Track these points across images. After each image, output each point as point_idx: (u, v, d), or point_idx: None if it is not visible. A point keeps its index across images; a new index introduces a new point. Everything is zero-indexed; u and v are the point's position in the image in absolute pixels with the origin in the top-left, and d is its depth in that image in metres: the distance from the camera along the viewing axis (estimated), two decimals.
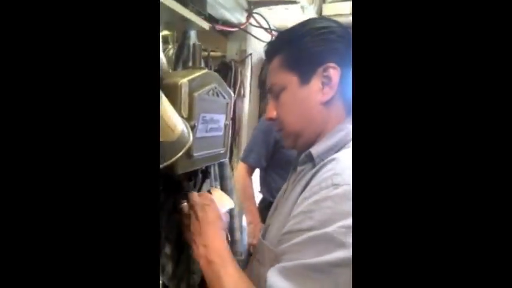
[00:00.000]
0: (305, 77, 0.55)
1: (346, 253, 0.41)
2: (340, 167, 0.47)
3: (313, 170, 0.52)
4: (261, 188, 1.56)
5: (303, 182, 0.53)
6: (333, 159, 0.50)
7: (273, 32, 1.61)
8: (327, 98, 0.55)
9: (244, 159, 1.51)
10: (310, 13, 1.99)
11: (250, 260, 0.67)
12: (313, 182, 0.49)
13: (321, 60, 0.55)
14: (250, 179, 1.52)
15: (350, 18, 2.10)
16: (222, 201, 0.74)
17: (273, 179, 1.49)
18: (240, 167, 1.53)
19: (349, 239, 0.41)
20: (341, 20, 2.05)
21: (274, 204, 0.67)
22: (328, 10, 1.95)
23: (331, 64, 0.54)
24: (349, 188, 0.44)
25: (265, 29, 1.55)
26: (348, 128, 0.55)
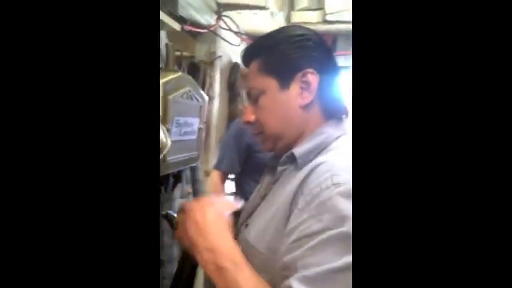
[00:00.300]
0: (284, 82, 0.58)
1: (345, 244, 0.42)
2: (336, 168, 0.49)
3: (302, 174, 0.52)
4: (236, 193, 1.55)
5: (289, 184, 0.54)
6: (324, 162, 0.51)
7: (243, 36, 1.62)
8: (306, 102, 0.57)
9: (217, 167, 1.50)
10: (279, 19, 2.03)
11: None
12: (311, 185, 0.49)
13: (300, 66, 0.57)
14: (223, 186, 1.51)
15: (318, 27, 2.17)
16: (223, 204, 0.71)
17: (248, 184, 1.48)
18: (213, 174, 1.50)
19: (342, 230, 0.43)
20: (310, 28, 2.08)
21: (249, 205, 0.65)
22: (297, 18, 2.01)
23: (310, 70, 0.57)
24: (350, 186, 0.45)
25: (235, 33, 1.56)
26: (327, 131, 0.58)
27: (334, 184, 0.46)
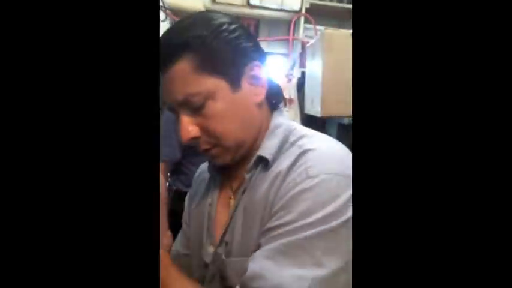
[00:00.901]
0: (235, 81, 0.48)
1: (328, 243, 0.41)
2: (312, 159, 0.46)
3: (282, 172, 0.47)
4: (172, 179, 1.45)
5: (262, 187, 0.49)
6: (299, 156, 0.47)
7: (167, 11, 1.58)
8: (260, 98, 0.51)
9: None
10: None
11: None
12: (288, 179, 0.46)
13: (245, 60, 0.49)
14: (165, 178, 1.41)
15: (242, 9, 2.20)
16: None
17: (187, 168, 1.42)
18: None
19: (330, 225, 0.41)
20: (233, 10, 2.12)
21: (214, 224, 0.57)
22: None
23: (256, 62, 0.50)
24: (326, 176, 0.43)
25: (160, 7, 1.51)
26: (283, 123, 0.53)
27: (308, 177, 0.44)
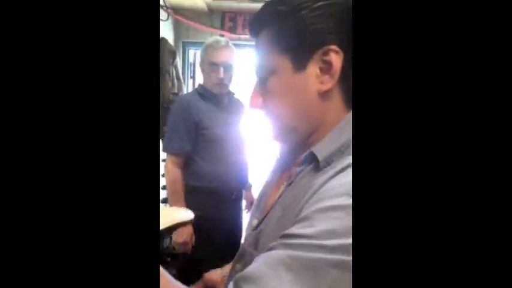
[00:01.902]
0: (300, 62, 0.45)
1: (340, 275, 0.35)
2: (343, 181, 0.40)
3: (326, 175, 0.43)
4: (184, 174, 1.41)
5: (306, 186, 0.45)
6: (349, 166, 0.41)
7: (169, 10, 1.60)
8: (326, 87, 0.45)
9: (167, 149, 1.39)
10: None
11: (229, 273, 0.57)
12: (326, 186, 0.41)
13: (321, 41, 0.44)
14: (179, 171, 1.39)
15: (244, 4, 2.17)
16: (174, 217, 0.66)
17: (198, 164, 1.40)
18: (167, 160, 1.40)
19: (349, 258, 0.34)
20: (235, 5, 2.10)
21: (259, 210, 0.56)
22: None
23: (333, 47, 0.44)
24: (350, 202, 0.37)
25: (161, 6, 1.52)
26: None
27: (348, 194, 0.37)
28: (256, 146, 1.76)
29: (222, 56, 1.36)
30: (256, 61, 0.50)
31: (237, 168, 1.43)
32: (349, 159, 0.42)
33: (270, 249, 0.40)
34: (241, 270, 0.46)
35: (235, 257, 0.56)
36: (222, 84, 1.38)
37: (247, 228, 0.58)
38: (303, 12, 0.44)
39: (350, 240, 0.34)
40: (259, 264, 0.39)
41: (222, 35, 2.13)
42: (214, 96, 1.41)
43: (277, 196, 0.50)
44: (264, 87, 0.48)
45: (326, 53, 0.44)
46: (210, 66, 1.38)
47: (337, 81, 0.45)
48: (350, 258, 0.34)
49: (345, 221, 0.36)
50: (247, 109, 1.52)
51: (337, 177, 0.41)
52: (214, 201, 1.36)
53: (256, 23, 0.49)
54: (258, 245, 0.48)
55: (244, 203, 1.59)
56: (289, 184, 0.48)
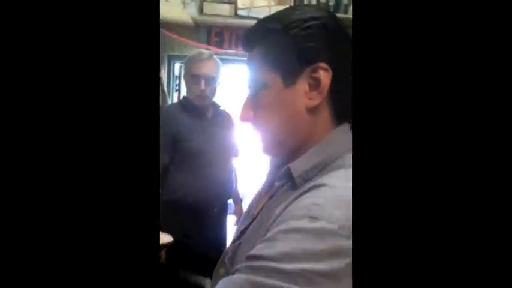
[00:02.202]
0: (290, 78, 0.47)
1: None
2: (325, 196, 0.39)
3: (298, 192, 0.43)
4: (162, 189, 1.35)
5: (281, 202, 0.44)
6: (322, 185, 0.41)
7: None
8: (314, 103, 0.47)
9: None
10: (191, 9, 2.04)
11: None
12: (292, 207, 0.41)
13: (310, 59, 0.46)
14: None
15: (229, 20, 2.21)
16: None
17: (174, 177, 1.35)
18: None
19: (312, 285, 0.33)
20: (221, 20, 2.13)
21: (240, 224, 0.56)
22: (209, 9, 2.04)
23: (322, 64, 0.45)
24: (327, 226, 0.36)
25: None
26: (335, 142, 0.47)
27: (310, 217, 0.37)
28: (247, 159, 1.73)
29: (204, 68, 1.35)
30: (248, 76, 0.51)
31: (218, 182, 1.38)
32: (322, 179, 0.42)
33: (235, 271, 0.39)
34: (224, 275, 0.48)
35: (219, 261, 0.55)
36: (204, 96, 1.37)
37: (235, 233, 0.59)
38: (294, 30, 0.47)
39: (309, 265, 0.34)
40: (228, 285, 0.37)
41: (208, 49, 2.14)
42: (197, 108, 1.39)
43: (257, 211, 0.52)
44: (255, 101, 0.50)
45: (315, 70, 0.46)
46: (191, 78, 1.37)
47: (325, 97, 0.47)
48: (308, 283, 0.33)
49: (305, 244, 0.35)
50: (236, 122, 1.50)
51: (304, 196, 0.41)
52: (193, 216, 1.30)
53: (249, 40, 0.51)
54: (235, 257, 0.49)
55: (233, 217, 1.56)
56: (270, 198, 0.49)
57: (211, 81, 1.37)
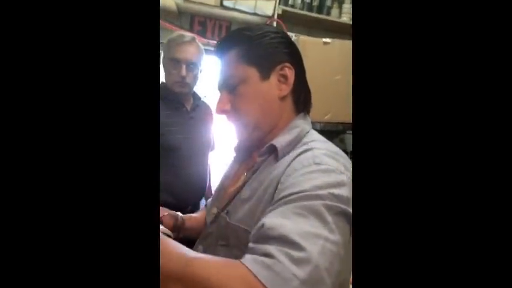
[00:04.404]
0: (265, 73, 0.61)
1: (336, 218, 0.44)
2: (316, 154, 0.53)
3: (285, 161, 0.55)
4: None
5: (271, 172, 0.57)
6: (307, 150, 0.55)
7: None
8: (283, 93, 0.62)
9: None
10: None
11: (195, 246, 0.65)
12: (294, 166, 0.53)
13: (279, 59, 0.62)
14: None
15: (215, 10, 2.16)
16: None
17: None
18: None
19: (338, 205, 0.45)
20: (205, 10, 2.06)
21: (222, 195, 0.68)
22: None
23: (287, 64, 0.62)
24: (329, 167, 0.50)
25: None
26: (300, 125, 0.63)
27: (315, 163, 0.51)
28: (221, 153, 1.69)
29: (185, 52, 1.25)
30: (226, 74, 0.63)
31: (193, 182, 1.31)
32: (302, 148, 0.56)
33: (270, 211, 0.47)
34: (203, 251, 0.61)
35: (198, 239, 0.67)
36: (184, 83, 1.26)
37: (207, 217, 0.70)
38: (265, 38, 0.62)
39: (333, 191, 0.46)
40: (273, 217, 0.45)
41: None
42: (175, 97, 1.29)
43: (239, 184, 0.63)
44: (233, 94, 0.62)
45: (283, 68, 0.62)
46: (171, 62, 1.26)
47: (290, 89, 0.62)
48: (337, 205, 0.46)
49: (324, 179, 0.48)
50: (214, 114, 1.46)
51: (297, 159, 0.54)
52: None
53: (225, 44, 0.64)
54: (226, 224, 0.58)
55: None
56: (254, 172, 0.61)
57: (192, 67, 1.27)
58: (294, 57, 0.64)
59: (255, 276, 0.39)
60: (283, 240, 0.41)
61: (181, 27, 2.16)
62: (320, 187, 0.47)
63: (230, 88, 0.62)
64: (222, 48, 0.64)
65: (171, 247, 0.44)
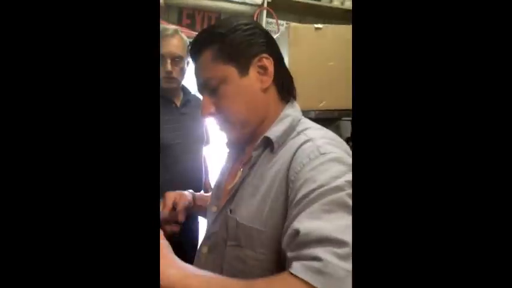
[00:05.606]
0: (243, 69, 0.59)
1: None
2: (318, 144, 0.52)
3: (286, 154, 0.55)
4: None
5: (271, 166, 0.56)
6: (308, 140, 0.54)
7: None
8: (266, 85, 0.60)
9: None
10: None
11: (200, 250, 0.64)
12: (299, 159, 0.52)
13: (255, 52, 0.60)
14: None
15: (205, 2, 2.11)
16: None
17: None
18: None
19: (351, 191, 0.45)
20: (194, 1, 2.03)
21: (220, 192, 0.68)
22: None
23: (265, 55, 0.60)
24: (335, 154, 0.50)
25: None
26: (291, 114, 0.62)
27: (321, 154, 0.50)
28: (218, 147, 1.66)
29: (169, 46, 1.20)
30: (201, 75, 0.61)
31: (187, 176, 1.26)
32: (299, 138, 0.56)
33: (292, 215, 0.47)
34: (208, 252, 0.61)
35: (202, 240, 0.65)
36: (170, 78, 1.22)
37: (208, 216, 0.69)
38: (237, 32, 0.59)
39: (345, 179, 0.47)
40: (305, 222, 0.45)
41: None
42: (164, 93, 1.25)
43: (237, 180, 0.61)
44: (215, 95, 0.60)
45: (261, 60, 0.60)
46: None
47: (272, 80, 0.61)
48: (351, 190, 0.45)
49: (334, 168, 0.48)
50: None
51: (300, 149, 0.53)
52: None
53: (198, 46, 0.61)
54: (236, 225, 0.56)
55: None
56: (251, 167, 0.60)
57: (178, 60, 1.22)
58: (270, 46, 0.62)
59: (311, 285, 0.39)
60: (325, 241, 0.42)
61: (169, 22, 2.11)
62: (336, 177, 0.47)
63: (211, 90, 0.60)
64: (195, 50, 0.62)
65: (228, 282, 0.45)
